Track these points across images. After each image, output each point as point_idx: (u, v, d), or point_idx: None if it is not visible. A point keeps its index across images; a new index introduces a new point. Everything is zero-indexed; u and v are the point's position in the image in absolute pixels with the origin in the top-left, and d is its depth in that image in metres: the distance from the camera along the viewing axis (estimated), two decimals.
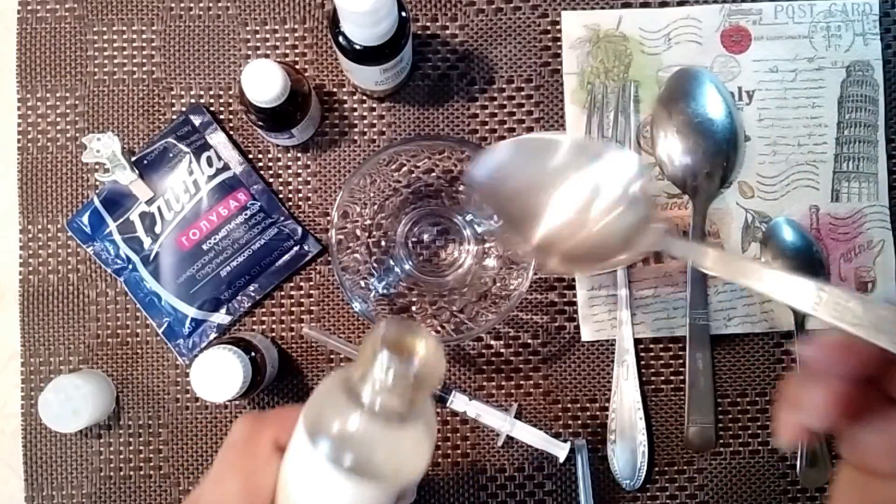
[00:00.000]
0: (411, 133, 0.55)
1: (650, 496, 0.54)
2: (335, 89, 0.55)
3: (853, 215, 0.54)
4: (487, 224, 0.53)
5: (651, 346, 0.54)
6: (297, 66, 0.55)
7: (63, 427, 0.50)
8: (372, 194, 0.52)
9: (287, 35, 0.55)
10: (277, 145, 0.55)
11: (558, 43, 0.55)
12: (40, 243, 0.55)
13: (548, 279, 0.54)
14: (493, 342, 0.54)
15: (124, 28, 0.55)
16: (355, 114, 0.55)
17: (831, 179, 0.55)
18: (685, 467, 0.54)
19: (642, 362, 0.54)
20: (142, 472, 0.54)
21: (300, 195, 0.55)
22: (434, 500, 0.54)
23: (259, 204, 0.54)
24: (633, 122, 0.55)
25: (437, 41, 0.55)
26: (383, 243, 0.54)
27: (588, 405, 0.54)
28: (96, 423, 0.53)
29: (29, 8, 0.55)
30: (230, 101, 0.55)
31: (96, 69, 0.55)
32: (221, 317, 0.54)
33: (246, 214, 0.53)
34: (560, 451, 0.53)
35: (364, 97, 0.55)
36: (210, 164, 0.54)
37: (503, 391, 0.54)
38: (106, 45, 0.55)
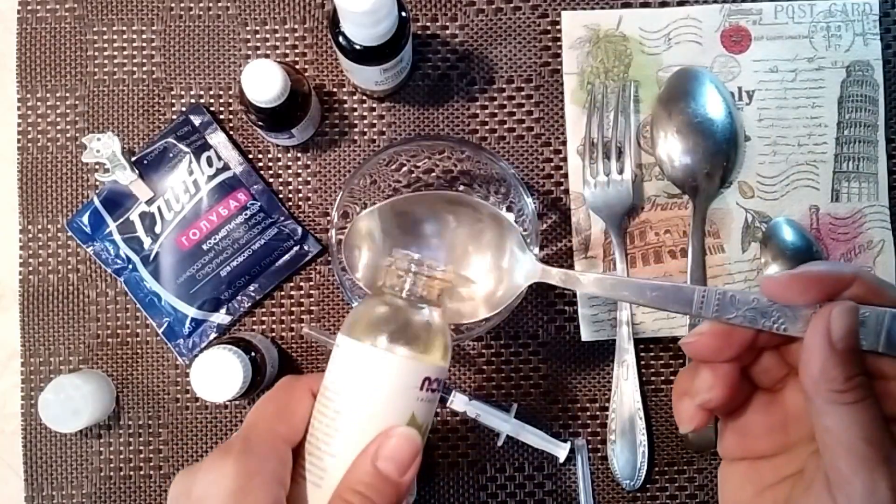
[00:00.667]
0: (411, 133, 0.55)
1: (650, 496, 0.54)
2: (335, 89, 0.55)
3: (853, 215, 0.54)
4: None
5: (651, 346, 0.54)
6: (297, 66, 0.55)
7: (63, 427, 0.50)
8: (372, 194, 0.52)
9: (287, 35, 0.55)
10: (277, 145, 0.55)
11: (558, 43, 0.55)
12: (40, 243, 0.55)
13: None
14: (493, 342, 0.54)
15: (124, 28, 0.55)
16: (355, 114, 0.55)
17: (831, 179, 0.55)
18: (685, 467, 0.54)
19: (642, 362, 0.54)
20: (142, 472, 0.54)
21: (300, 195, 0.55)
22: (434, 500, 0.54)
23: (259, 204, 0.54)
24: (633, 122, 0.55)
25: (437, 41, 0.55)
26: None
27: (588, 405, 0.54)
28: (96, 423, 0.53)
29: (29, 8, 0.55)
30: (230, 101, 0.55)
31: (96, 69, 0.55)
32: (221, 317, 0.54)
33: (246, 214, 0.53)
34: (560, 451, 0.53)
35: (364, 97, 0.55)
36: (210, 164, 0.54)
37: (503, 391, 0.54)
38: (106, 45, 0.55)
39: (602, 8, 0.55)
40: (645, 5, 0.55)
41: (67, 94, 0.55)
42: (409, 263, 0.37)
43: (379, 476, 0.32)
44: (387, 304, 0.37)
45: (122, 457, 0.54)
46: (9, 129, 0.55)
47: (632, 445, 0.53)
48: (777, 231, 0.54)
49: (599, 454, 0.54)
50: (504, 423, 0.52)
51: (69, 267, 0.55)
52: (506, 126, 0.55)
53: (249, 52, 0.55)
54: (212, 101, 0.55)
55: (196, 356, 0.49)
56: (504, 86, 0.55)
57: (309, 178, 0.55)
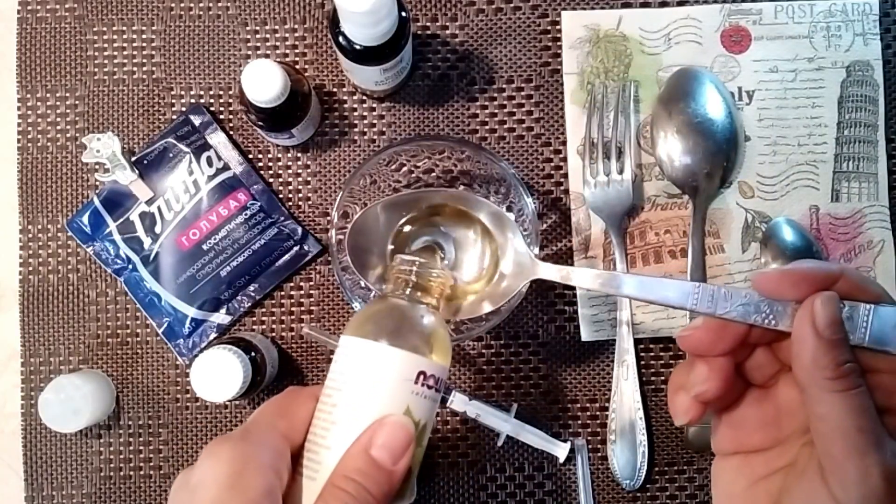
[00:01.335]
0: (411, 133, 0.55)
1: (650, 496, 0.54)
2: (335, 89, 0.55)
3: (853, 215, 0.54)
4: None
5: (651, 346, 0.54)
6: (297, 66, 0.55)
7: (63, 427, 0.50)
8: (372, 194, 0.52)
9: (287, 35, 0.55)
10: (277, 145, 0.55)
11: (558, 43, 0.55)
12: (40, 243, 0.55)
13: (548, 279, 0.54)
14: (493, 342, 0.54)
15: (124, 28, 0.55)
16: (355, 114, 0.55)
17: (831, 179, 0.55)
18: (685, 467, 0.54)
19: (642, 362, 0.54)
20: (142, 472, 0.54)
21: (300, 195, 0.55)
22: (434, 500, 0.54)
23: (259, 204, 0.54)
24: (633, 122, 0.55)
25: (437, 41, 0.55)
26: None
27: (588, 405, 0.54)
28: (96, 423, 0.53)
29: (29, 8, 0.55)
30: (230, 101, 0.55)
31: (96, 69, 0.55)
32: (221, 317, 0.54)
33: (246, 214, 0.53)
34: (560, 451, 0.53)
35: (364, 97, 0.55)
36: (210, 164, 0.54)
37: (503, 391, 0.54)
38: (106, 45, 0.55)
39: (602, 8, 0.55)
40: (645, 5, 0.55)
41: (67, 94, 0.55)
42: (409, 267, 0.39)
43: (372, 464, 0.32)
44: (386, 304, 0.38)
45: (122, 457, 0.54)
46: (9, 129, 0.55)
47: (632, 445, 0.53)
48: (777, 231, 0.54)
49: (599, 454, 0.54)
50: (504, 423, 0.52)
51: (69, 267, 0.55)
52: (506, 126, 0.55)
53: (249, 52, 0.55)
54: (212, 101, 0.55)
55: (196, 356, 0.49)
56: (504, 86, 0.55)
57: (309, 178, 0.55)
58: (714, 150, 0.53)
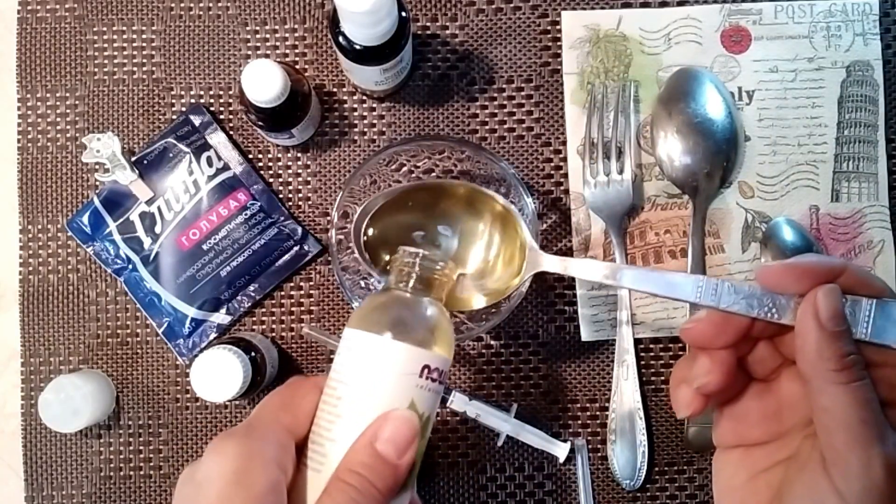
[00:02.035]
0: (411, 133, 0.55)
1: (650, 496, 0.54)
2: (335, 89, 0.55)
3: (853, 215, 0.54)
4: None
5: (651, 346, 0.54)
6: (297, 66, 0.55)
7: (63, 427, 0.50)
8: (372, 194, 0.52)
9: (287, 35, 0.55)
10: (277, 145, 0.55)
11: (558, 43, 0.55)
12: (40, 243, 0.55)
13: (547, 279, 0.55)
14: (493, 342, 0.54)
15: (124, 28, 0.55)
16: (355, 114, 0.55)
17: (831, 179, 0.55)
18: (685, 467, 0.54)
19: (642, 362, 0.54)
20: (142, 472, 0.54)
21: (300, 195, 0.55)
22: (434, 500, 0.54)
23: (259, 204, 0.54)
24: (633, 122, 0.55)
25: (437, 41, 0.55)
26: None
27: (588, 405, 0.54)
28: (96, 423, 0.53)
29: (29, 8, 0.55)
30: (230, 101, 0.55)
31: (96, 69, 0.55)
32: (221, 317, 0.54)
33: (246, 214, 0.53)
34: (560, 451, 0.53)
35: (364, 97, 0.55)
36: (210, 164, 0.54)
37: (503, 391, 0.54)
38: (106, 45, 0.55)
39: (602, 8, 0.55)
40: (645, 5, 0.55)
41: (67, 94, 0.55)
42: (413, 259, 0.39)
43: (378, 458, 0.33)
44: (389, 296, 0.38)
45: (122, 457, 0.54)
46: (9, 129, 0.55)
47: (632, 445, 0.53)
48: (777, 231, 0.54)
49: (599, 454, 0.54)
50: (504, 423, 0.52)
51: (69, 267, 0.55)
52: (506, 126, 0.55)
53: (249, 52, 0.55)
54: (212, 101, 0.55)
55: (196, 356, 0.49)
56: (504, 86, 0.55)
57: (309, 178, 0.55)
58: (714, 150, 0.53)
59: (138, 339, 0.55)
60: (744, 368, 0.34)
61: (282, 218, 0.54)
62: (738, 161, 0.54)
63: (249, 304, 0.54)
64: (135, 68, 0.55)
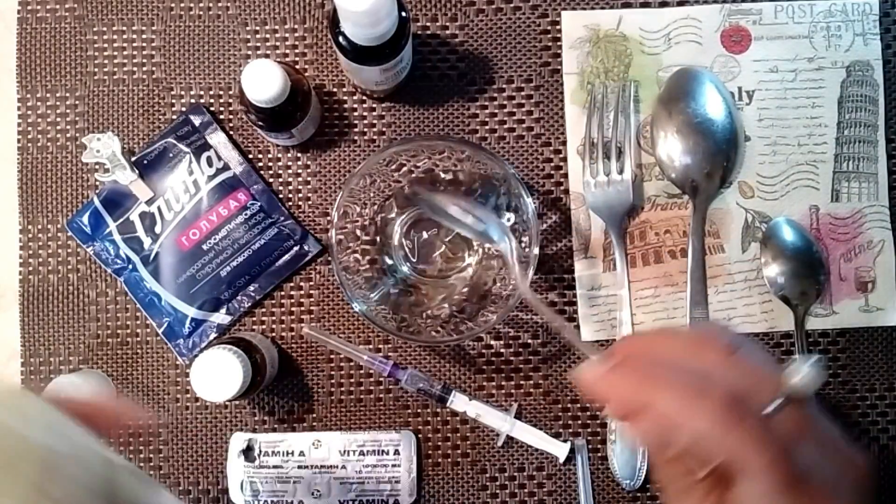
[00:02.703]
0: (411, 133, 0.55)
1: (650, 496, 0.54)
2: (335, 89, 0.55)
3: (853, 215, 0.54)
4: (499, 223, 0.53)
5: None
6: (297, 66, 0.55)
7: None
8: (372, 194, 0.52)
9: (287, 35, 0.55)
10: (277, 145, 0.55)
11: (558, 43, 0.55)
12: (40, 243, 0.55)
13: (548, 279, 0.55)
14: (493, 342, 0.54)
15: (124, 28, 0.55)
16: (355, 114, 0.55)
17: (831, 179, 0.55)
18: None
19: None
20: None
21: (300, 195, 0.55)
22: (434, 500, 0.54)
23: (259, 204, 0.54)
24: (633, 122, 0.55)
25: (437, 41, 0.55)
26: (379, 240, 0.53)
27: (588, 405, 0.54)
28: None
29: (29, 8, 0.55)
30: (230, 101, 0.55)
31: (96, 69, 0.55)
32: (221, 317, 0.54)
33: (246, 214, 0.53)
34: (560, 451, 0.53)
35: (364, 97, 0.55)
36: (210, 164, 0.54)
37: (503, 391, 0.54)
38: (106, 45, 0.55)
39: (602, 8, 0.55)
40: (645, 5, 0.55)
41: (67, 94, 0.55)
42: None
43: None
44: None
45: (121, 456, 0.54)
46: (9, 129, 0.55)
47: (632, 445, 0.53)
48: (777, 231, 0.54)
49: (599, 454, 0.54)
50: (504, 423, 0.52)
51: (69, 267, 0.55)
52: (506, 126, 0.55)
53: (249, 52, 0.55)
54: (212, 101, 0.55)
55: (196, 356, 0.49)
56: (504, 86, 0.55)
57: (309, 178, 0.55)
58: (714, 150, 0.53)
59: (138, 339, 0.55)
60: None
61: (282, 218, 0.54)
62: (738, 161, 0.54)
63: (249, 304, 0.54)
64: (135, 68, 0.55)
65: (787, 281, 0.53)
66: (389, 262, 0.53)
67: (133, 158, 0.54)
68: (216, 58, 0.55)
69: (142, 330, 0.55)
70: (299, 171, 0.55)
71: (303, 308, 0.55)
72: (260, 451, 0.53)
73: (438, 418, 0.54)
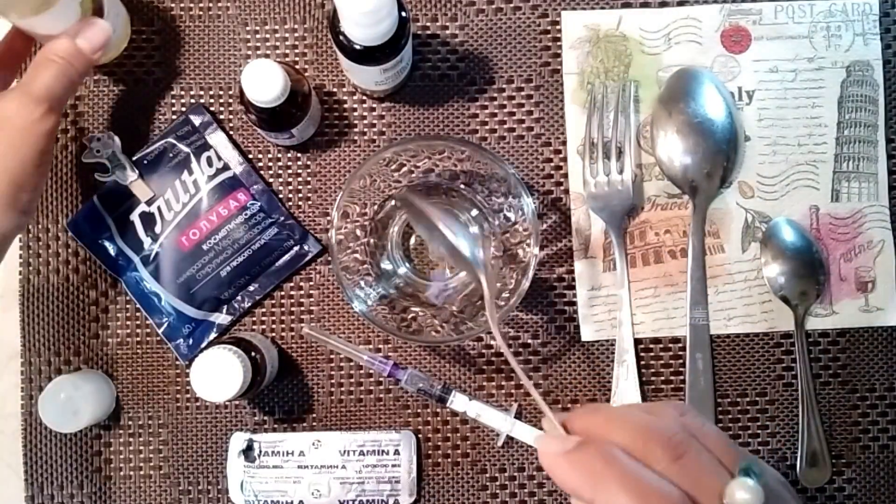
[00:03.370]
0: (411, 133, 0.55)
1: None
2: (335, 89, 0.55)
3: (853, 215, 0.54)
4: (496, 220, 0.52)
5: (651, 346, 0.54)
6: (297, 66, 0.55)
7: (63, 427, 0.50)
8: (372, 194, 0.52)
9: (287, 35, 0.55)
10: (277, 145, 0.55)
11: (558, 43, 0.55)
12: (41, 243, 0.55)
13: (548, 279, 0.55)
14: (493, 342, 0.54)
15: None
16: (355, 114, 0.55)
17: (831, 179, 0.55)
18: None
19: (642, 362, 0.54)
20: (142, 472, 0.54)
21: (300, 195, 0.55)
22: (434, 500, 0.54)
23: (259, 204, 0.54)
24: (633, 122, 0.55)
25: (437, 41, 0.55)
26: (379, 240, 0.53)
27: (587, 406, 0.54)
28: (96, 423, 0.53)
29: None
30: (230, 101, 0.55)
31: (96, 69, 0.55)
32: (221, 317, 0.54)
33: (246, 214, 0.53)
34: None
35: (364, 97, 0.55)
36: (210, 164, 0.54)
37: (503, 391, 0.54)
38: None
39: (602, 8, 0.55)
40: (645, 5, 0.55)
41: None
42: None
43: (76, 49, 0.45)
44: None
45: (122, 457, 0.54)
46: None
47: None
48: (777, 231, 0.54)
49: None
50: (504, 423, 0.52)
51: (70, 267, 0.55)
52: (506, 126, 0.55)
53: (249, 52, 0.55)
54: (212, 101, 0.55)
55: (196, 356, 0.49)
56: (504, 86, 0.55)
57: (309, 178, 0.55)
58: (714, 150, 0.53)
59: (138, 339, 0.55)
60: None
61: (282, 218, 0.54)
62: (738, 161, 0.54)
63: (249, 304, 0.54)
64: (135, 68, 0.55)
65: (787, 281, 0.53)
66: (389, 262, 0.53)
67: (133, 158, 0.54)
68: (216, 58, 0.55)
69: (142, 330, 0.55)
70: (299, 171, 0.55)
71: (303, 308, 0.55)
72: (260, 451, 0.53)
73: (438, 418, 0.54)
